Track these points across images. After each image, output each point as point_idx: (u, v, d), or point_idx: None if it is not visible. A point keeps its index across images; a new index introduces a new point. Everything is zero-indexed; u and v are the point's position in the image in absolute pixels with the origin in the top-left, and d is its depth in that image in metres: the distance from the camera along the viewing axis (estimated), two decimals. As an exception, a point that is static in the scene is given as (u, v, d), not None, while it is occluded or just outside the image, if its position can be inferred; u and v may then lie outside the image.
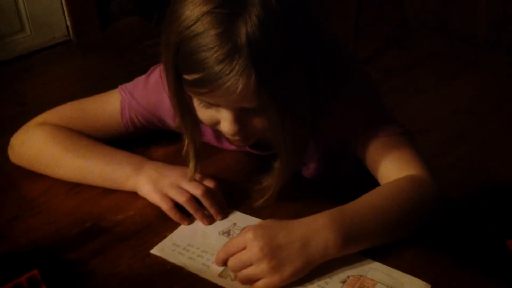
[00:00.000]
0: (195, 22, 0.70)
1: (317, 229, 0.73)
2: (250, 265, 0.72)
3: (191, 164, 0.85)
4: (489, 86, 2.59)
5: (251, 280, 0.73)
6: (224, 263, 0.76)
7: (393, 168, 0.84)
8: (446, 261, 0.78)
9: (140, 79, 0.96)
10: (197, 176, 0.87)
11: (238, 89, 0.71)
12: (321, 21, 0.79)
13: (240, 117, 0.77)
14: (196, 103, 0.80)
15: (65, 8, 2.88)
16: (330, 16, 0.89)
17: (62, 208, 0.89)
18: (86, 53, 2.90)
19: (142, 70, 0.97)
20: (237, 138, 0.82)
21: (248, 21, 0.69)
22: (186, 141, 0.85)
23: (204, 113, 0.80)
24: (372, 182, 0.86)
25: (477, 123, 2.36)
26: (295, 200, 0.88)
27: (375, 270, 0.75)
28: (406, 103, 2.47)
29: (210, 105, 0.77)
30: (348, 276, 0.75)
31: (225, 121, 0.78)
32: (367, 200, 0.79)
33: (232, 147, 0.97)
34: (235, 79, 0.70)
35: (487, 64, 2.67)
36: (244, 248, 0.73)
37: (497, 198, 1.98)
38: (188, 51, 0.72)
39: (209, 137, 0.97)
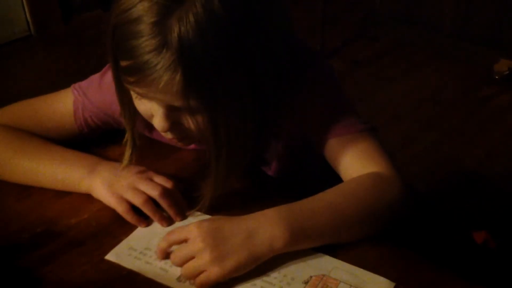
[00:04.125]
0: (132, 7, 0.68)
1: (263, 222, 0.72)
2: (193, 258, 0.70)
3: (126, 154, 0.83)
4: (456, 76, 2.61)
5: (194, 274, 0.71)
6: (165, 254, 0.74)
7: (356, 165, 0.82)
8: (410, 258, 0.77)
9: (95, 78, 0.92)
10: (155, 176, 0.84)
11: (161, 84, 0.68)
12: (276, 23, 0.76)
13: (171, 115, 0.75)
14: (132, 92, 0.77)
15: (25, 2, 2.79)
16: (297, 8, 0.87)
17: (11, 212, 0.85)
18: (47, 48, 2.83)
19: (106, 64, 0.93)
20: (170, 136, 0.79)
21: (184, 18, 0.66)
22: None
23: (139, 105, 0.78)
24: (338, 181, 0.84)
25: (443, 113, 2.37)
26: (257, 198, 0.85)
27: (338, 269, 0.74)
28: (373, 93, 2.47)
29: (142, 96, 0.75)
30: (311, 276, 0.73)
31: (156, 117, 0.76)
32: (323, 197, 0.77)
33: (191, 146, 0.94)
34: (159, 73, 0.68)
35: (453, 54, 2.69)
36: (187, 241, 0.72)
37: (463, 187, 1.99)
38: (121, 36, 0.70)
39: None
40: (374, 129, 0.86)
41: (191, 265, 0.70)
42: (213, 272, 0.69)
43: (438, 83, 2.58)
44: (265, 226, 0.72)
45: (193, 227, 0.72)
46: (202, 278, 0.70)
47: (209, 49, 0.67)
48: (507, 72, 2.52)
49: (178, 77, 0.68)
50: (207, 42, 0.67)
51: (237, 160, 0.78)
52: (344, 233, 0.76)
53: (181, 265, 0.71)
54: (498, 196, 1.91)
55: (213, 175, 0.77)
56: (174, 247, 0.74)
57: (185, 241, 0.72)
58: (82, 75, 0.95)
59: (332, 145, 0.84)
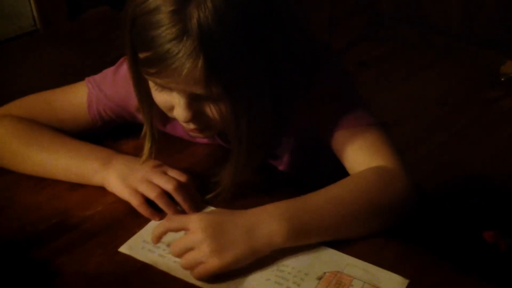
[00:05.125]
0: None
1: (263, 217, 0.72)
2: (192, 249, 0.71)
3: (146, 147, 0.83)
4: (462, 78, 2.61)
5: (192, 265, 0.71)
6: (159, 239, 0.75)
7: (361, 157, 0.82)
8: (424, 256, 0.77)
9: (109, 71, 0.93)
10: (169, 170, 0.84)
11: (184, 72, 0.69)
12: (292, 13, 0.77)
13: (193, 104, 0.75)
14: (151, 85, 0.78)
15: (31, -3, 2.80)
16: (304, 8, 0.87)
17: (27, 204, 0.86)
18: (54, 44, 2.82)
19: (112, 61, 0.94)
20: (191, 127, 0.79)
21: (202, 5, 0.67)
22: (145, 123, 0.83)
23: (158, 97, 0.78)
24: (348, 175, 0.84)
25: (449, 115, 2.37)
26: (267, 193, 0.85)
27: (352, 266, 0.74)
28: (379, 95, 2.47)
29: (162, 88, 0.75)
30: (325, 273, 0.73)
31: (178, 107, 0.76)
32: (326, 192, 0.77)
33: (204, 140, 0.94)
34: (181, 61, 0.68)
35: (460, 56, 2.69)
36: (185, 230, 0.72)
37: (470, 190, 1.99)
38: (140, 27, 0.70)
39: (180, 131, 0.93)
40: (385, 124, 0.86)
41: (190, 256, 0.71)
42: (212, 263, 0.70)
43: (443, 85, 2.58)
44: (265, 221, 0.72)
45: (193, 218, 0.72)
46: (200, 269, 0.70)
47: (228, 35, 0.68)
48: (514, 75, 2.52)
49: (200, 63, 0.68)
50: (226, 27, 0.67)
51: (256, 150, 0.78)
52: (348, 229, 0.76)
53: (180, 255, 0.72)
54: (504, 197, 1.91)
55: (233, 165, 0.78)
56: (171, 234, 0.75)
57: (182, 229, 0.73)
58: (88, 71, 0.96)
59: (339, 137, 0.84)
